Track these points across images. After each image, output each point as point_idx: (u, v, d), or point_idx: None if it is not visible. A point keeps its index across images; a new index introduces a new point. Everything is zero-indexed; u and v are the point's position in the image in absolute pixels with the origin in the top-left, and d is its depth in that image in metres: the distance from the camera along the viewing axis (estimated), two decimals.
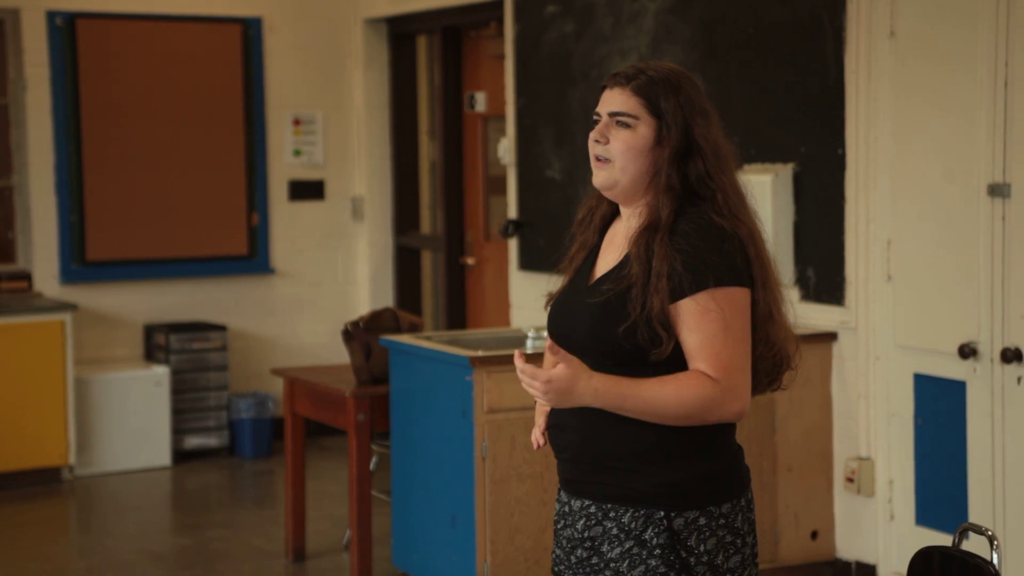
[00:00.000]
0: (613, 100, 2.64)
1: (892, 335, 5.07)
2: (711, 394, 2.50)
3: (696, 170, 2.60)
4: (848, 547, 5.30)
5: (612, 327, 2.55)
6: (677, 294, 2.52)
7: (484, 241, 7.78)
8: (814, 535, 5.29)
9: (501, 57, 7.24)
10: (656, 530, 2.56)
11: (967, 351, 4.72)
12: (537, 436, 2.76)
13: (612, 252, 2.68)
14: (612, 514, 2.60)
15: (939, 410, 4.93)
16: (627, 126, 2.61)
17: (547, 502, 4.88)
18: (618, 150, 2.61)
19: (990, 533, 3.06)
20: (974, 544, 3.23)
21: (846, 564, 5.30)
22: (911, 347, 5.00)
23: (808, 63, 5.30)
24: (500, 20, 7.18)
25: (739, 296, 2.54)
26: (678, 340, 2.54)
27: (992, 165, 4.63)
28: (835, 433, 5.31)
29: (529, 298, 6.88)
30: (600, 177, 2.65)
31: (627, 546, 2.58)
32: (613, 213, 2.75)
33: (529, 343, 5.22)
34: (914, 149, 4.93)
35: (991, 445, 4.70)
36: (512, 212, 7.05)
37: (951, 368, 4.82)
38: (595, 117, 2.67)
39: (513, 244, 7.05)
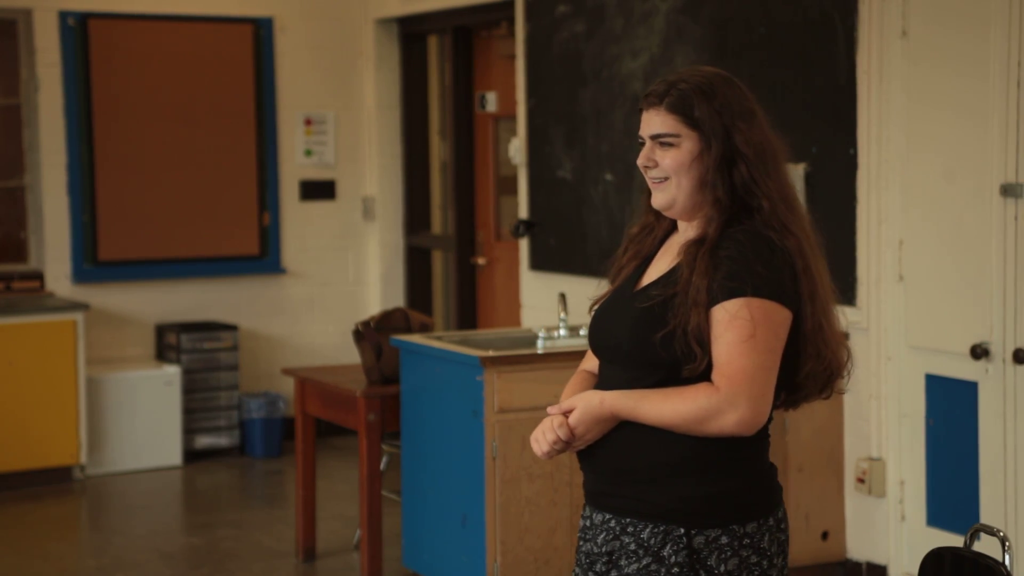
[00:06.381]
0: (651, 122, 2.58)
1: (904, 335, 5.05)
2: (706, 405, 2.42)
3: (741, 177, 2.53)
4: (859, 548, 5.29)
5: (652, 333, 2.49)
6: (714, 301, 2.45)
7: (495, 241, 7.77)
8: (825, 536, 5.28)
9: (512, 57, 7.24)
10: (675, 547, 2.48)
11: (979, 352, 4.71)
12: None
13: (665, 260, 2.62)
14: (631, 529, 2.53)
15: (951, 411, 4.92)
16: (671, 145, 2.56)
17: (557, 502, 4.88)
18: (670, 167, 2.55)
19: (1002, 534, 3.04)
20: (986, 545, 3.22)
21: (857, 565, 5.29)
22: (923, 348, 4.98)
23: (820, 63, 5.29)
24: (511, 20, 7.17)
25: (775, 312, 2.45)
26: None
27: (1005, 165, 4.62)
28: (846, 433, 5.29)
29: (540, 298, 6.88)
30: (659, 198, 2.59)
31: (644, 562, 2.50)
32: (671, 230, 2.68)
33: (540, 343, 5.21)
34: (926, 149, 4.92)
35: (1003, 446, 4.69)
36: (523, 212, 7.05)
37: (963, 369, 4.81)
38: (639, 141, 2.62)
39: (524, 244, 7.05)
